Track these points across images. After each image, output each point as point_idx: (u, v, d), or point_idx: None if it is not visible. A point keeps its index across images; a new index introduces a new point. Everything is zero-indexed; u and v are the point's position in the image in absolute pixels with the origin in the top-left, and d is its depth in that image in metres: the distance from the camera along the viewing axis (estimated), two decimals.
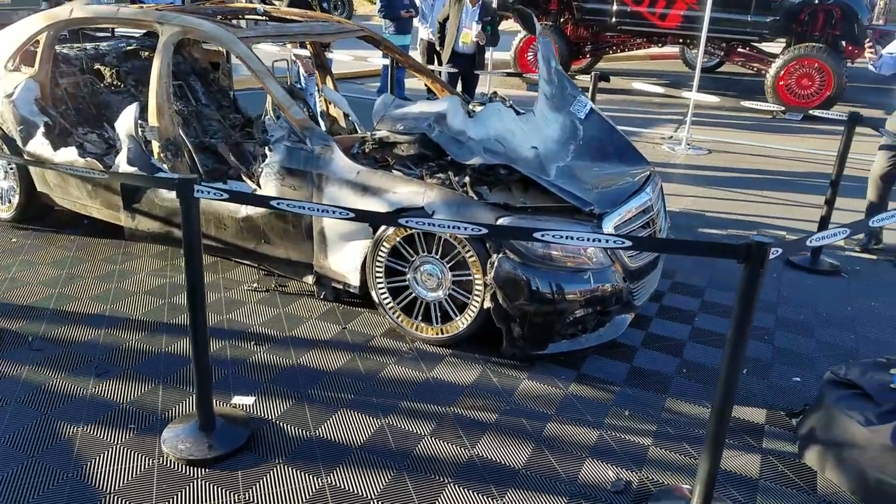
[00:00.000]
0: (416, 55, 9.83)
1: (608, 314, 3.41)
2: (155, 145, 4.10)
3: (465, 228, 2.41)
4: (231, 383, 3.22)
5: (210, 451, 2.71)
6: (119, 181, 3.97)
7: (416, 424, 2.96)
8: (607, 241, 2.54)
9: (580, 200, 3.32)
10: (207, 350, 2.71)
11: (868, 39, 4.82)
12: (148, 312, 3.81)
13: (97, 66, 5.39)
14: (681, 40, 12.16)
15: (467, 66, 7.53)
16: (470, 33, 7.34)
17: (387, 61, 8.70)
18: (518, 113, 4.13)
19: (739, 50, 11.57)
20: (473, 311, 3.41)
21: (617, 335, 3.47)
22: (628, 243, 2.32)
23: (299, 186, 3.69)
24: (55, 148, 4.46)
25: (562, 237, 2.32)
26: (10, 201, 4.93)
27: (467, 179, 3.50)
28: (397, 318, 3.64)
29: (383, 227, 3.52)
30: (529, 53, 12.26)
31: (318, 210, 2.58)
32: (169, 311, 3.84)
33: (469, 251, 3.33)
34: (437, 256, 3.45)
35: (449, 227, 2.47)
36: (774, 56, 10.73)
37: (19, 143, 4.58)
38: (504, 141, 3.68)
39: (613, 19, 11.60)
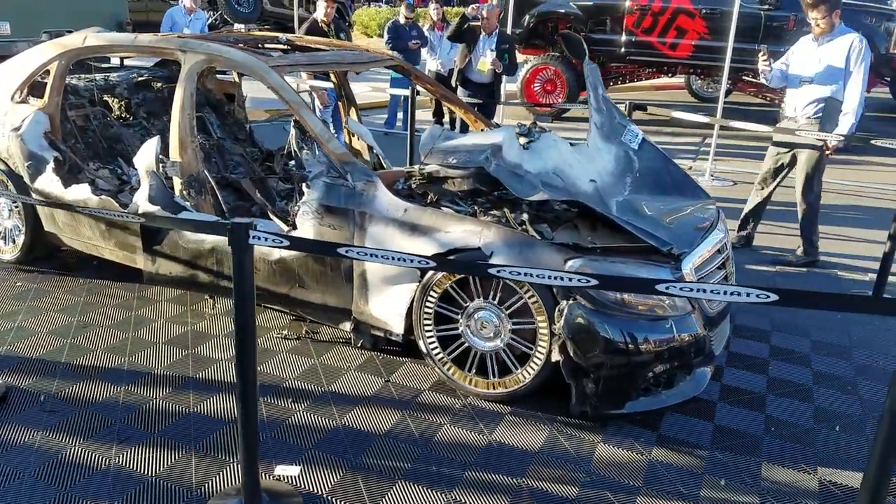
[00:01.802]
0: None
1: (689, 367, 3.07)
2: (177, 182, 3.78)
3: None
4: (271, 449, 2.85)
5: None
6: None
7: (488, 500, 2.60)
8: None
9: (658, 240, 3.01)
10: (257, 416, 2.35)
11: (763, 52, 5.03)
12: (171, 366, 3.45)
13: (107, 97, 5.09)
14: (690, 70, 12.02)
15: (485, 96, 7.28)
16: (486, 61, 7.12)
17: (396, 91, 8.49)
18: (571, 144, 3.83)
19: (749, 79, 11.43)
20: (537, 364, 3.07)
21: (699, 391, 3.12)
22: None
23: (339, 226, 3.37)
24: (66, 185, 4.12)
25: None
26: (13, 241, 4.57)
27: (525, 217, 3.19)
28: (448, 370, 3.29)
29: (432, 270, 3.19)
30: (536, 84, 12.08)
31: (398, 259, 2.23)
32: (194, 364, 3.47)
33: (532, 296, 3.00)
34: (495, 302, 3.12)
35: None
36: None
37: (27, 179, 4.24)
38: (562, 174, 3.38)
39: (623, 49, 11.44)
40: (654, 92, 15.46)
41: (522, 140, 3.87)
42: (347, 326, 3.57)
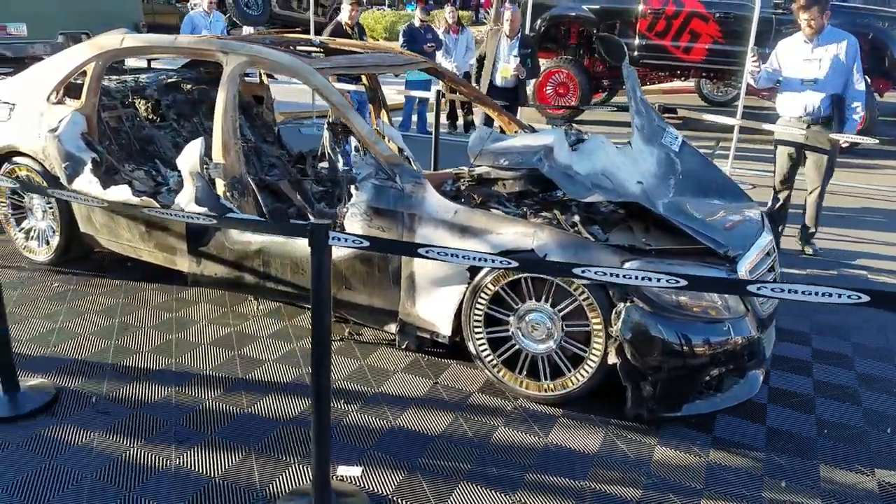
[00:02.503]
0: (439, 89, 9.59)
1: (743, 369, 3.07)
2: (219, 183, 3.77)
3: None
4: (331, 449, 2.83)
5: None
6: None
7: (553, 503, 2.60)
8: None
9: (715, 242, 3.01)
10: (329, 417, 2.35)
11: (753, 54, 5.12)
12: (219, 367, 3.44)
13: (136, 99, 5.08)
14: (703, 74, 12.04)
15: (510, 101, 7.29)
16: (509, 67, 7.11)
17: (412, 93, 8.51)
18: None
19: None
20: (591, 367, 3.07)
21: (752, 394, 3.12)
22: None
23: (388, 228, 3.37)
24: (104, 186, 4.12)
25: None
26: (47, 243, 4.57)
27: (577, 218, 3.20)
28: (498, 372, 3.29)
29: (483, 272, 3.19)
30: (549, 87, 12.10)
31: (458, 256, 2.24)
32: (242, 365, 3.47)
33: (587, 298, 3.00)
34: (549, 304, 3.12)
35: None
36: None
37: (64, 180, 4.23)
38: (611, 176, 3.39)
39: (636, 53, 11.46)
40: (663, 96, 15.49)
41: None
42: (393, 328, 3.57)
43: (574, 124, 11.24)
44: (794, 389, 3.45)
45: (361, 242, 2.16)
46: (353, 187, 3.47)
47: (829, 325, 4.12)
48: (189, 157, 3.75)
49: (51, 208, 4.51)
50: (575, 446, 2.94)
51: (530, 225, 3.13)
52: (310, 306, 3.81)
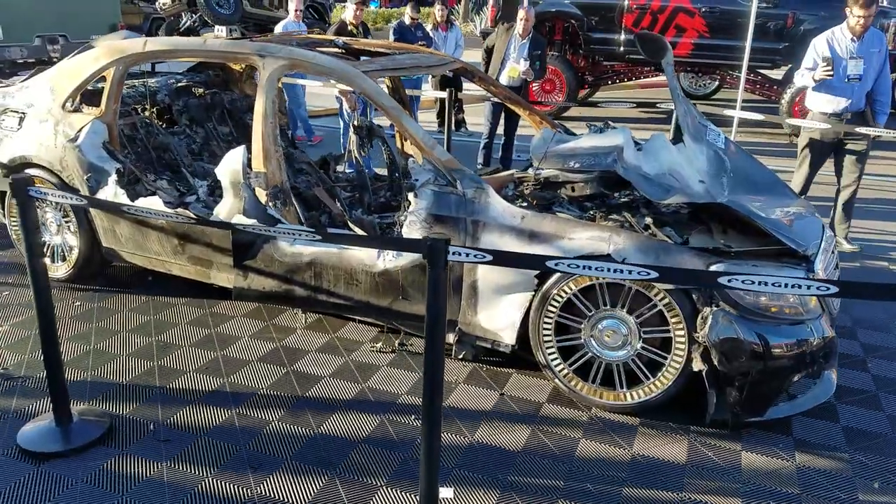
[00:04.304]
0: (430, 86, 9.47)
1: (820, 370, 3.04)
2: (260, 193, 3.61)
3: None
4: (411, 469, 2.73)
5: None
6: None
7: None
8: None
9: (794, 241, 2.96)
10: (440, 438, 2.24)
11: (828, 63, 4.90)
12: (275, 385, 3.30)
13: (145, 105, 4.87)
14: (688, 68, 12.13)
15: None
16: (517, 68, 7.00)
17: (409, 92, 8.37)
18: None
19: (737, 75, 11.59)
20: (673, 373, 3.01)
21: (830, 394, 3.10)
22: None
23: (449, 235, 3.25)
24: (132, 198, 3.92)
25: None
26: (64, 259, 4.34)
27: (649, 220, 3.13)
28: (570, 381, 3.21)
29: (554, 279, 3.11)
30: (535, 83, 12.05)
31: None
32: (299, 382, 3.32)
33: (668, 303, 2.94)
34: (624, 310, 3.05)
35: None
36: (776, 82, 10.87)
37: (85, 192, 4.01)
38: (677, 176, 3.32)
39: (622, 48, 11.49)
40: (641, 90, 15.58)
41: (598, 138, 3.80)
42: (451, 338, 3.46)
43: (559, 121, 11.26)
44: (856, 387, 3.44)
45: (484, 257, 2.05)
46: (410, 195, 3.34)
47: (869, 319, 4.13)
48: (230, 167, 3.57)
49: (67, 222, 4.29)
50: (662, 456, 2.87)
51: (604, 229, 3.05)
52: (361, 318, 3.74)
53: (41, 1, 9.40)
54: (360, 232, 3.84)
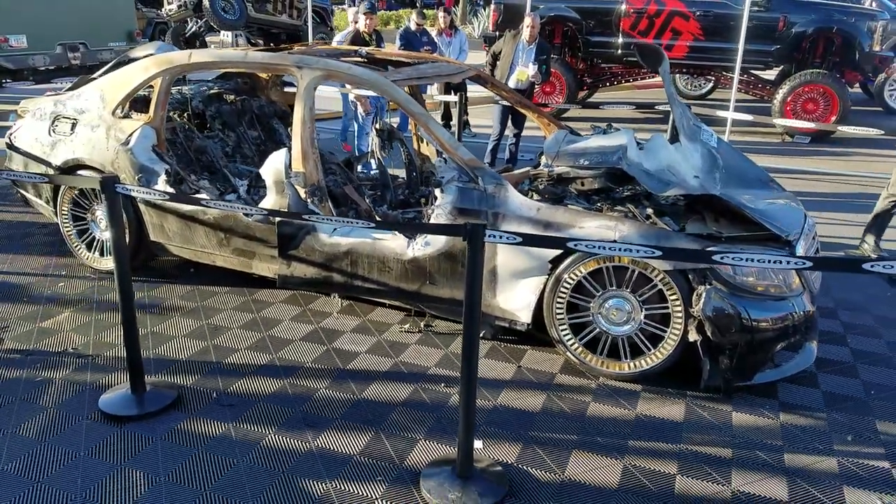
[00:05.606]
0: (433, 90, 9.86)
1: (803, 341, 3.47)
2: (300, 191, 4.02)
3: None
4: (447, 427, 3.15)
5: (482, 499, 2.64)
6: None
7: (660, 464, 2.95)
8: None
9: (779, 228, 3.39)
10: (475, 396, 2.66)
11: None
12: (318, 359, 3.71)
13: (180, 111, 5.28)
14: (682, 70, 12.55)
15: None
16: (526, 71, 7.41)
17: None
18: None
19: (730, 76, 12.01)
20: (671, 344, 3.43)
21: (811, 362, 3.52)
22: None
23: None
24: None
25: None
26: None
27: (650, 210, 3.54)
28: (581, 354, 3.62)
29: (566, 263, 3.52)
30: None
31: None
32: (339, 357, 3.74)
33: (667, 283, 3.35)
34: (628, 290, 3.47)
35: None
36: (768, 82, 11.29)
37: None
38: (675, 172, 3.75)
39: (619, 51, 11.91)
40: (637, 91, 16.02)
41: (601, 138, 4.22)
42: None
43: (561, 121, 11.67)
44: (836, 359, 3.86)
45: (515, 239, 2.46)
46: (437, 190, 3.76)
47: (849, 301, 4.56)
48: (273, 167, 3.99)
49: None
50: (662, 416, 3.29)
51: (610, 218, 3.46)
52: (391, 301, 4.15)
53: (62, 11, 9.80)
54: None
